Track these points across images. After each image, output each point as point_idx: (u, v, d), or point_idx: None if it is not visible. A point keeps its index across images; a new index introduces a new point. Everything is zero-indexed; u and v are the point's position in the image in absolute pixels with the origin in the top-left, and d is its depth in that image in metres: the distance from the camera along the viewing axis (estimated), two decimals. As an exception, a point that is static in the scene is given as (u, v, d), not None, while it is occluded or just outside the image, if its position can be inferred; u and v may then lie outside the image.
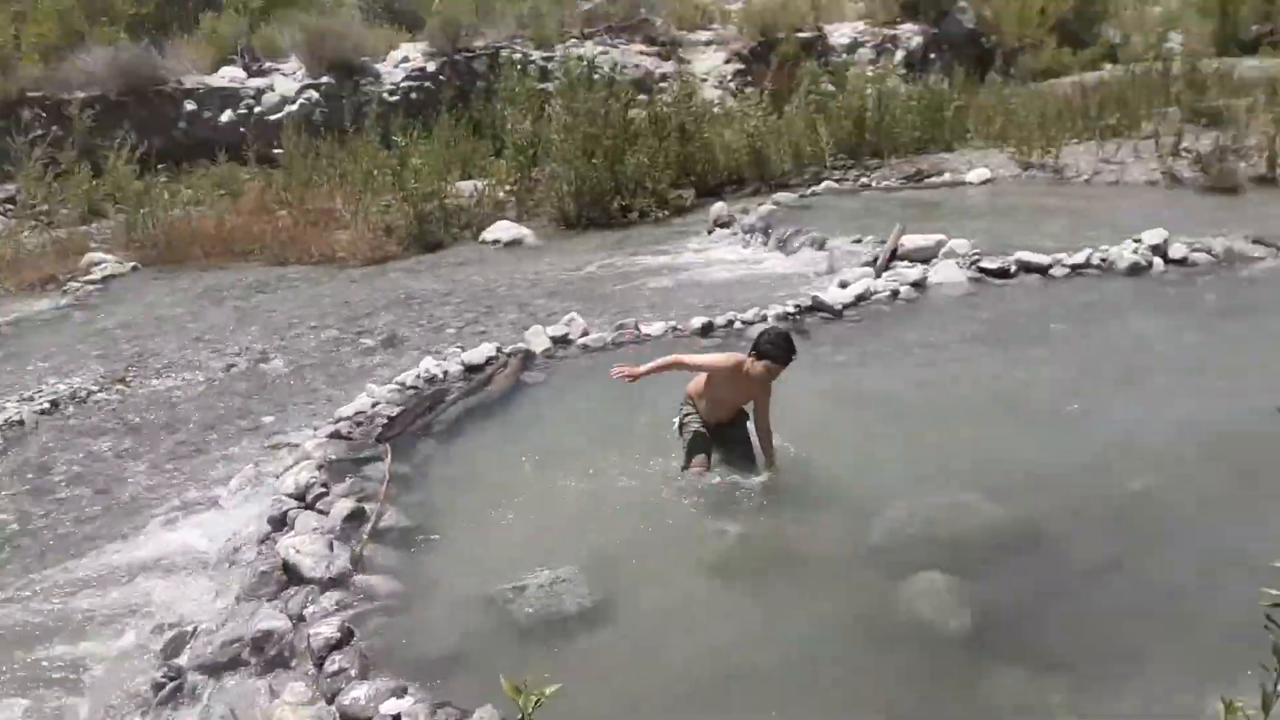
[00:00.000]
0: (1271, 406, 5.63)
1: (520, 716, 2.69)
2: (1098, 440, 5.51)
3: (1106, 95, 14.59)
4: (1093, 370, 6.50)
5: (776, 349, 4.90)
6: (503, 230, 11.95)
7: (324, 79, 16.39)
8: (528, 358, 7.11)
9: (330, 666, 3.84)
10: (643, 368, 5.19)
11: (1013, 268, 8.52)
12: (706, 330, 7.37)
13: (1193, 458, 5.19)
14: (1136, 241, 8.66)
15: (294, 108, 15.97)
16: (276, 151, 14.37)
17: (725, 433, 5.24)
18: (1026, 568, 4.43)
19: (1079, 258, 8.56)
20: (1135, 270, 8.34)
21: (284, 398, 7.01)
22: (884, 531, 4.71)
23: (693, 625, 4.25)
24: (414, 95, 16.61)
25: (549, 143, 13.04)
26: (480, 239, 11.91)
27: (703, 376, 5.21)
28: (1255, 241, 8.73)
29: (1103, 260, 8.53)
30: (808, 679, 3.86)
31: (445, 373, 6.83)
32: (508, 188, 13.59)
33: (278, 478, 5.46)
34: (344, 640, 3.97)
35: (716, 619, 4.30)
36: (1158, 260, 8.48)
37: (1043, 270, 8.48)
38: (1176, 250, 8.54)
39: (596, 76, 13.89)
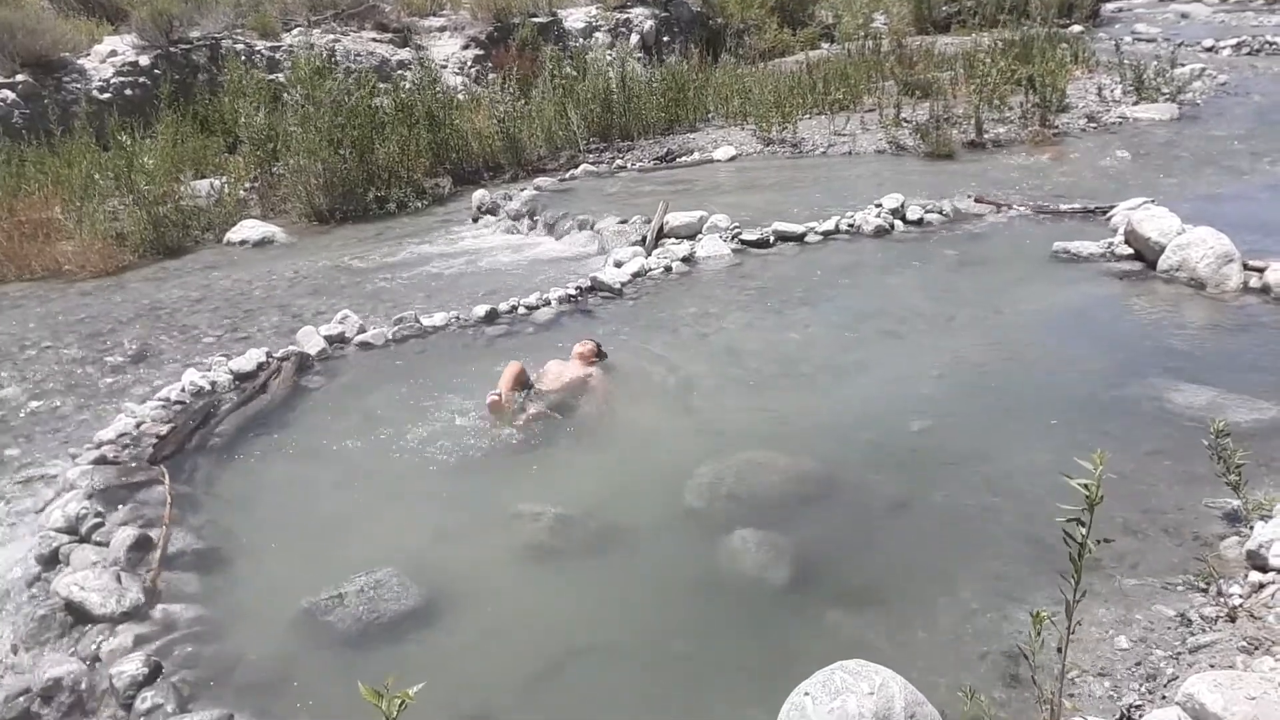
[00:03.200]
0: (1015, 343, 6.32)
1: (383, 722, 2.60)
2: (874, 389, 5.94)
3: (830, 72, 15.59)
4: (857, 326, 6.98)
5: None
6: (249, 229, 11.26)
7: (19, 78, 14.77)
8: (302, 360, 6.77)
9: (141, 705, 3.53)
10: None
11: (771, 238, 8.99)
12: (491, 318, 7.29)
13: (959, 396, 5.70)
14: (878, 206, 9.36)
15: (-14, 109, 14.28)
16: (-31, 159, 12.82)
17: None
18: (830, 513, 4.71)
19: (829, 225, 9.14)
20: (880, 232, 9.01)
21: (27, 427, 6.31)
22: (694, 495, 4.86)
23: (523, 609, 4.23)
24: (129, 92, 15.30)
25: (288, 135, 12.38)
26: (225, 240, 11.17)
27: None
28: (977, 200, 9.65)
29: (850, 225, 9.16)
30: (646, 645, 3.94)
31: (213, 384, 6.39)
32: (248, 185, 12.81)
33: (39, 513, 4.93)
34: (152, 675, 3.66)
35: (546, 599, 4.30)
36: (898, 222, 9.21)
37: (798, 238, 9.00)
38: (913, 212, 9.32)
39: (335, 64, 13.31)
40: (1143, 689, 3.32)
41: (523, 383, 5.83)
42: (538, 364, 6.13)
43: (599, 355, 6.19)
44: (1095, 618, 3.67)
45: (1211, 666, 3.24)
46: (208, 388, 6.34)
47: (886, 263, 8.29)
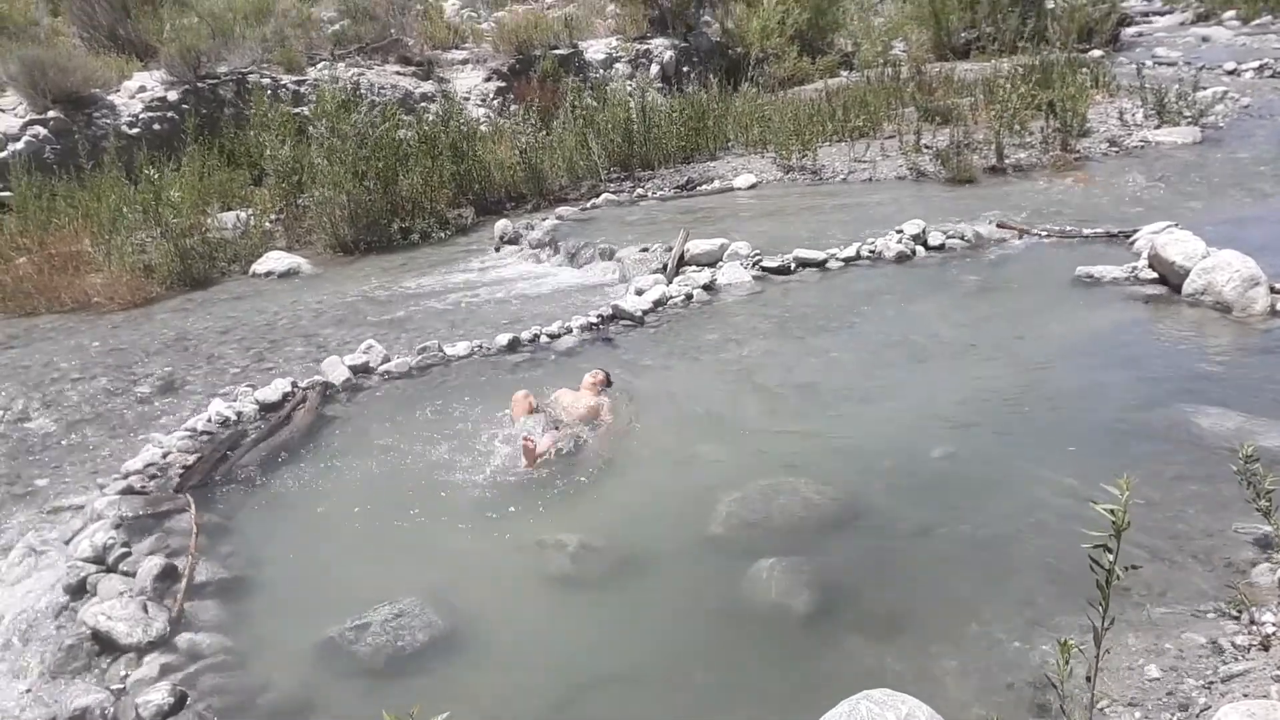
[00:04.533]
0: (1038, 369, 6.28)
1: (407, 753, 2.60)
2: (896, 415, 5.91)
3: (849, 99, 15.64)
4: (879, 353, 6.96)
5: None
6: (275, 261, 11.40)
7: (51, 114, 15.04)
8: (327, 390, 6.83)
9: (167, 736, 3.54)
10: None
11: (792, 265, 9.00)
12: (513, 346, 7.34)
13: (981, 423, 5.66)
14: (899, 232, 9.36)
15: (19, 145, 14.55)
16: (4, 195, 13.07)
17: None
18: (853, 541, 4.68)
19: (850, 251, 9.15)
20: (902, 258, 9.00)
21: (57, 458, 6.39)
22: (718, 523, 4.85)
23: (547, 638, 4.23)
24: (157, 127, 15.55)
25: (313, 168, 12.54)
26: (251, 272, 11.30)
27: None
28: (999, 225, 9.63)
29: (872, 251, 9.16)
30: (668, 673, 3.93)
31: (239, 414, 6.46)
32: (274, 216, 12.98)
33: (67, 543, 4.98)
34: (178, 705, 3.68)
35: (570, 628, 4.29)
36: (920, 248, 9.20)
37: (819, 265, 9.02)
38: (934, 238, 9.31)
39: (359, 97, 13.49)
40: (1175, 719, 3.27)
41: (531, 409, 5.87)
42: (551, 392, 6.19)
43: (608, 384, 6.24)
44: (1125, 646, 3.63)
45: (1245, 696, 3.18)
46: (234, 418, 6.40)
47: (908, 289, 8.28)
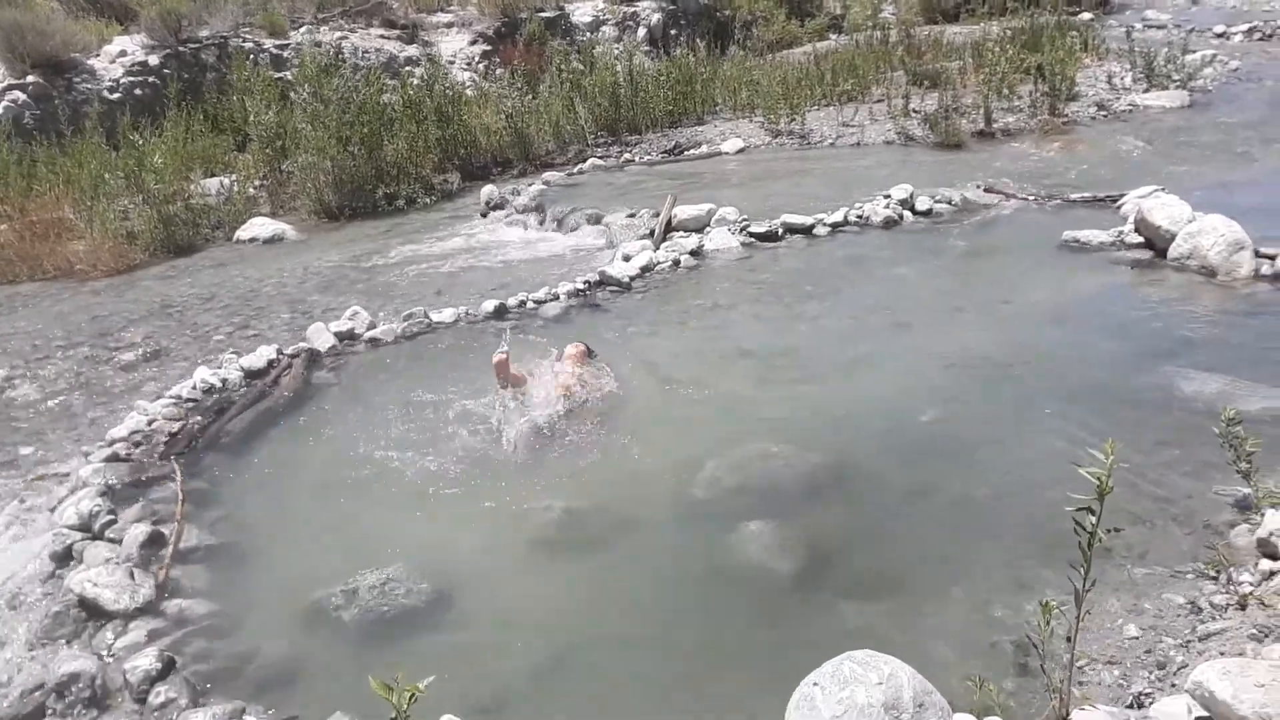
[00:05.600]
0: (1024, 333, 6.31)
1: (393, 716, 2.62)
2: (884, 381, 5.93)
3: (838, 62, 15.54)
4: (867, 318, 6.97)
5: None
6: (259, 227, 11.32)
7: (30, 79, 14.84)
8: (313, 357, 6.81)
9: (155, 700, 3.56)
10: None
11: (780, 230, 8.98)
12: (500, 313, 7.32)
13: (968, 387, 5.69)
14: (886, 197, 9.34)
15: (-2, 110, 14.37)
16: (-18, 159, 12.90)
17: None
18: (840, 505, 4.72)
19: (838, 216, 9.13)
20: (889, 224, 8.99)
21: (41, 426, 6.36)
22: (704, 487, 4.88)
23: (535, 603, 4.25)
24: (138, 92, 15.36)
25: (297, 133, 12.42)
26: (235, 238, 11.22)
27: None
28: (986, 190, 9.63)
29: (859, 217, 9.14)
30: (655, 636, 3.96)
31: (224, 381, 6.44)
32: (257, 182, 12.87)
33: (53, 510, 4.97)
34: (166, 670, 3.70)
35: (556, 592, 4.31)
36: (907, 213, 9.19)
37: (807, 230, 9.00)
38: (922, 203, 9.30)
39: (343, 61, 13.35)
40: (1152, 677, 3.32)
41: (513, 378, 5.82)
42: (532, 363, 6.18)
43: (590, 355, 6.23)
44: (1105, 607, 3.67)
45: (1221, 654, 3.23)
46: (219, 385, 6.38)
47: (895, 254, 8.28)
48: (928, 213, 9.23)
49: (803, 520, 4.52)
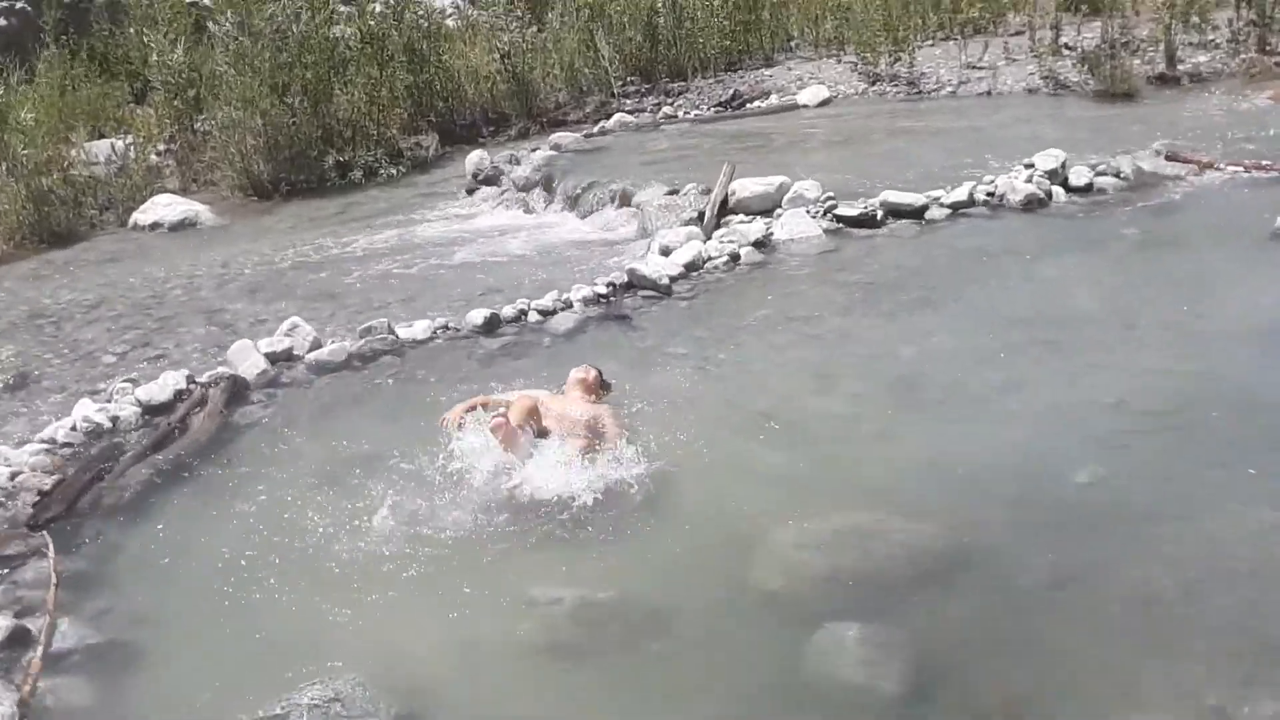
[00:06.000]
0: (1222, 360, 6.25)
1: None
2: (1023, 425, 5.89)
3: (962, -21, 15.55)
4: (1001, 336, 6.94)
5: None
6: (164, 207, 11.48)
7: None
8: (236, 387, 6.88)
9: None
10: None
11: (879, 213, 8.99)
12: (491, 326, 7.37)
13: (1143, 436, 5.64)
14: (1029, 168, 9.33)
15: None
16: None
17: None
18: (961, 598, 4.67)
19: (960, 194, 9.12)
20: (1033, 204, 8.97)
21: None
22: (773, 574, 4.85)
23: (536, 732, 4.25)
24: (1, 22, 15.68)
25: (216, 79, 12.59)
26: (132, 223, 11.39)
27: None
28: (1170, 158, 9.58)
29: (990, 195, 9.14)
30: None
31: (115, 419, 6.51)
32: (162, 146, 13.06)
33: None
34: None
35: (568, 715, 4.30)
36: (1057, 190, 9.17)
37: (917, 213, 9.00)
38: (1078, 175, 9.27)
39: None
40: None
41: (532, 418, 5.85)
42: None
43: (603, 386, 6.25)
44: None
45: None
46: (108, 425, 6.44)
47: (1041, 247, 8.25)
48: (1086, 189, 9.20)
49: (910, 621, 4.48)
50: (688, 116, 13.11)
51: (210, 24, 13.09)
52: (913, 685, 4.15)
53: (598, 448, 5.76)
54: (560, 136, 12.50)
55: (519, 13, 14.48)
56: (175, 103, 13.02)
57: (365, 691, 4.27)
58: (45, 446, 6.24)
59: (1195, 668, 4.08)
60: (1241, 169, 9.32)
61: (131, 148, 12.39)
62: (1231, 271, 7.48)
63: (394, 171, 12.44)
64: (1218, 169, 9.38)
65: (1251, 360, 6.33)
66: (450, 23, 15.32)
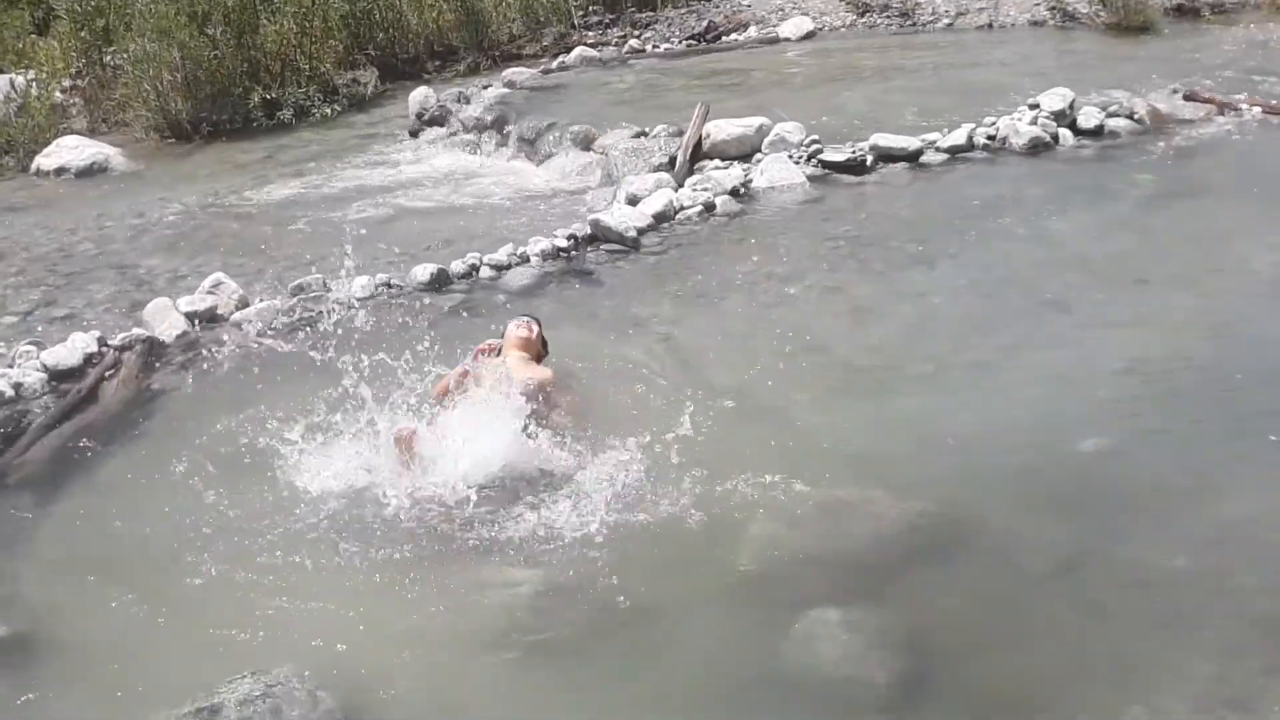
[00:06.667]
0: (1242, 318, 6.31)
1: None
2: (1024, 391, 5.95)
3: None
4: (1001, 294, 7.00)
5: None
6: (70, 151, 11.38)
7: None
8: (152, 350, 6.86)
9: None
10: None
11: (868, 158, 9.02)
12: (440, 282, 7.38)
13: (1155, 402, 5.70)
14: (1034, 109, 9.37)
15: None
16: None
17: None
18: (956, 580, 4.71)
19: (958, 137, 9.16)
20: (1037, 148, 9.02)
21: None
22: (751, 555, 4.88)
23: (491, 726, 4.27)
24: (-118, -62, 15.49)
25: (129, 6, 12.47)
26: (34, 168, 11.29)
27: None
28: (1188, 98, 9.63)
29: (991, 138, 9.18)
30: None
31: (17, 387, 6.48)
32: (68, 83, 12.92)
33: None
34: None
35: (527, 710, 4.32)
36: (1065, 132, 9.21)
37: (911, 158, 9.04)
38: (1088, 117, 9.31)
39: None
40: None
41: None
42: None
43: (542, 344, 6.21)
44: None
45: None
46: (10, 393, 6.41)
47: (1046, 195, 8.29)
48: (1097, 131, 9.26)
49: (900, 605, 4.52)
50: (657, 50, 13.08)
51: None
52: (903, 676, 4.18)
53: (545, 420, 5.76)
54: (514, 72, 12.45)
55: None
56: (82, 33, 12.88)
57: (302, 684, 4.27)
58: (-61, 417, 6.22)
59: (1211, 655, 4.13)
60: (1264, 110, 9.37)
61: (33, 84, 12.25)
62: (1253, 222, 7.55)
63: (328, 111, 12.36)
64: (1239, 110, 9.43)
65: (1274, 319, 6.39)
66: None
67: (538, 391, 5.83)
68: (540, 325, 6.25)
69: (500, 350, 6.07)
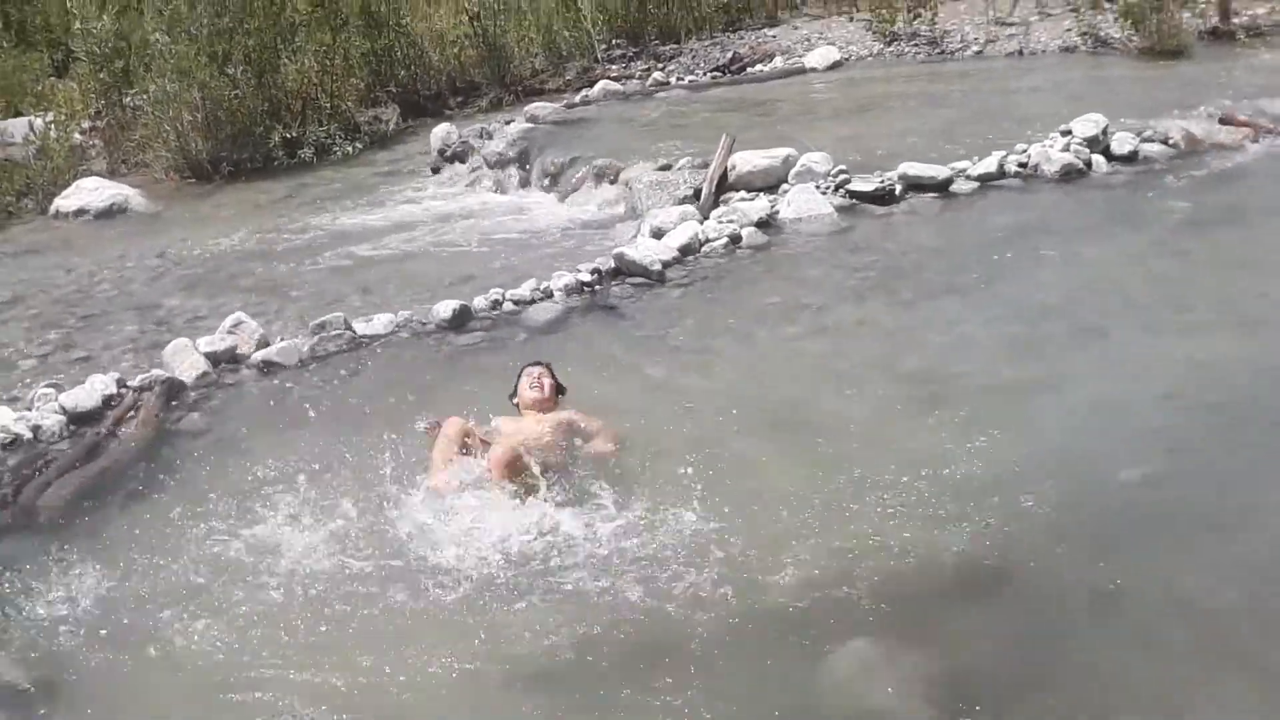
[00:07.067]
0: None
1: None
2: (1062, 421, 5.90)
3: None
4: (1035, 324, 6.95)
5: None
6: (90, 193, 11.46)
7: None
8: (172, 390, 6.87)
9: None
10: None
11: (897, 187, 9.00)
12: (461, 320, 7.37)
13: (1197, 431, 5.65)
14: (1066, 135, 9.34)
15: None
16: None
17: None
18: (997, 614, 4.67)
19: (988, 165, 9.14)
20: (1070, 175, 9.00)
21: None
22: (787, 588, 4.84)
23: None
24: (-97, -15, 15.69)
25: (148, 46, 12.57)
26: (54, 210, 11.38)
27: None
28: (1224, 122, 9.59)
29: (1022, 165, 9.16)
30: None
31: (35, 429, 6.50)
32: (87, 124, 13.03)
33: None
34: None
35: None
36: (1098, 159, 9.18)
37: (940, 187, 9.02)
38: (1121, 143, 9.28)
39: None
40: None
41: (466, 443, 5.77)
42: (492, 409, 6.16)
43: (557, 389, 6.16)
44: None
45: None
46: (27, 435, 6.43)
47: (1081, 223, 8.26)
48: (1131, 157, 9.23)
49: (938, 640, 4.48)
50: (681, 83, 13.12)
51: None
52: (942, 711, 4.15)
53: (583, 451, 5.76)
54: (537, 107, 12.49)
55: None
56: (101, 75, 13.00)
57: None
58: (-44, 460, 6.23)
59: (1259, 691, 4.08)
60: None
61: (52, 126, 12.36)
62: (1295, 248, 7.50)
63: (350, 149, 12.44)
64: (1276, 134, 9.39)
65: (1318, 347, 6.34)
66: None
67: (564, 428, 5.82)
68: (550, 370, 6.20)
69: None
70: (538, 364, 6.25)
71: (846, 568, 4.88)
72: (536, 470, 5.63)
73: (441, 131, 11.68)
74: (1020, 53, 12.69)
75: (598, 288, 7.77)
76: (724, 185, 9.35)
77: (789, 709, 4.32)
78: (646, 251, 8.07)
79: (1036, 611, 4.67)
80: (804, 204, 8.81)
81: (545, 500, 5.53)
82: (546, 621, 4.76)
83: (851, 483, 5.57)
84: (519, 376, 6.20)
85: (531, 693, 4.53)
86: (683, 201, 9.24)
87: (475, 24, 13.77)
